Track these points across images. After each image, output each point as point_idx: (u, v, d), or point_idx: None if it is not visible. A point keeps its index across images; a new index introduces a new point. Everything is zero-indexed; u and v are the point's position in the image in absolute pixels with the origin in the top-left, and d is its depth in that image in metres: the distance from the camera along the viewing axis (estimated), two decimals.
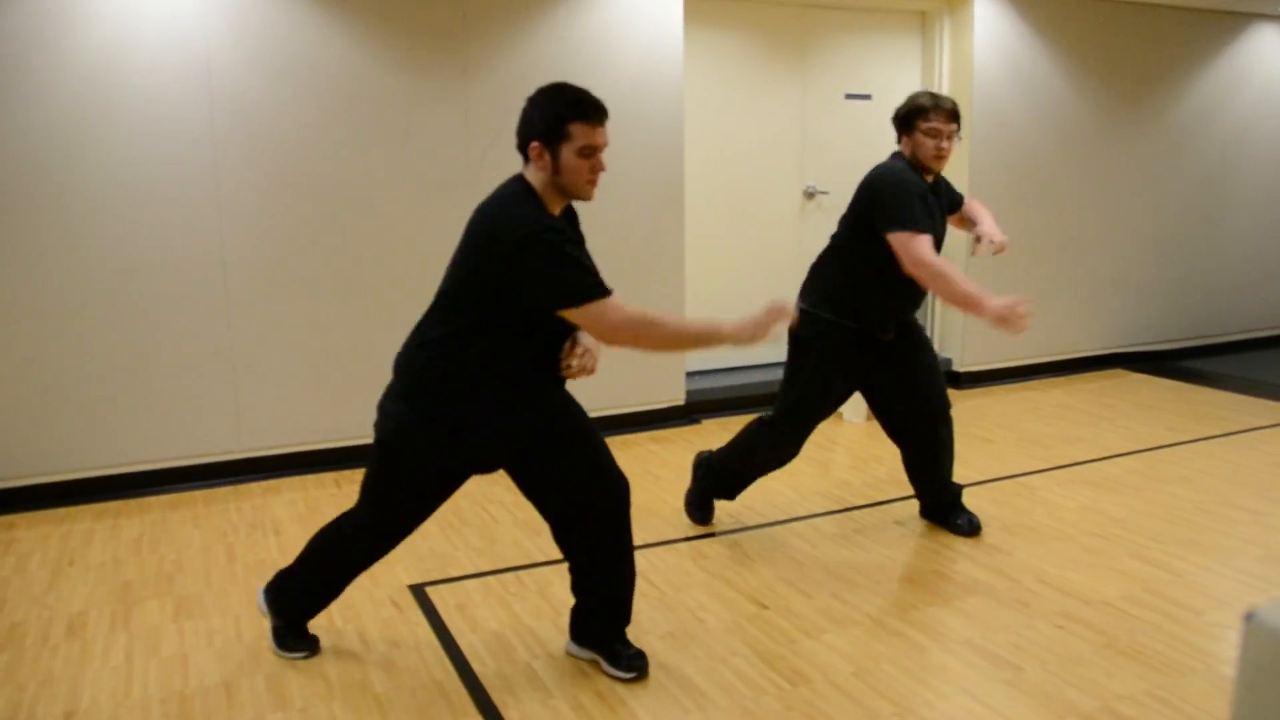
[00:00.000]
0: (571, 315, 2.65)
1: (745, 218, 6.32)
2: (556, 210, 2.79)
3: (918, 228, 3.58)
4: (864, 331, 3.84)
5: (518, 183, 2.77)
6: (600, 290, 2.64)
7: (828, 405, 3.95)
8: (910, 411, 3.97)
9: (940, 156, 3.77)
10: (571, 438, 2.95)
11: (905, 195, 3.64)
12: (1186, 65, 7.17)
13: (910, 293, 3.83)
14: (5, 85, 4.34)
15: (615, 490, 2.95)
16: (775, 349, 6.46)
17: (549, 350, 2.84)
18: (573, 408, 3.01)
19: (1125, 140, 7.01)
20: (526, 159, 2.75)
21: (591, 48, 5.34)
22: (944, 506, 4.15)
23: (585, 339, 2.90)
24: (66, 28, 4.39)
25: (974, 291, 3.43)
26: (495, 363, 2.75)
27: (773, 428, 3.95)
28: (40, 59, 4.37)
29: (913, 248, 3.56)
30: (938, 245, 3.70)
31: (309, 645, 3.15)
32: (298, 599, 3.12)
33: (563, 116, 2.67)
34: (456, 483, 2.91)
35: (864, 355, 3.88)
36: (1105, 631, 3.20)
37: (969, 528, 4.07)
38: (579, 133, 2.67)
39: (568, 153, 2.68)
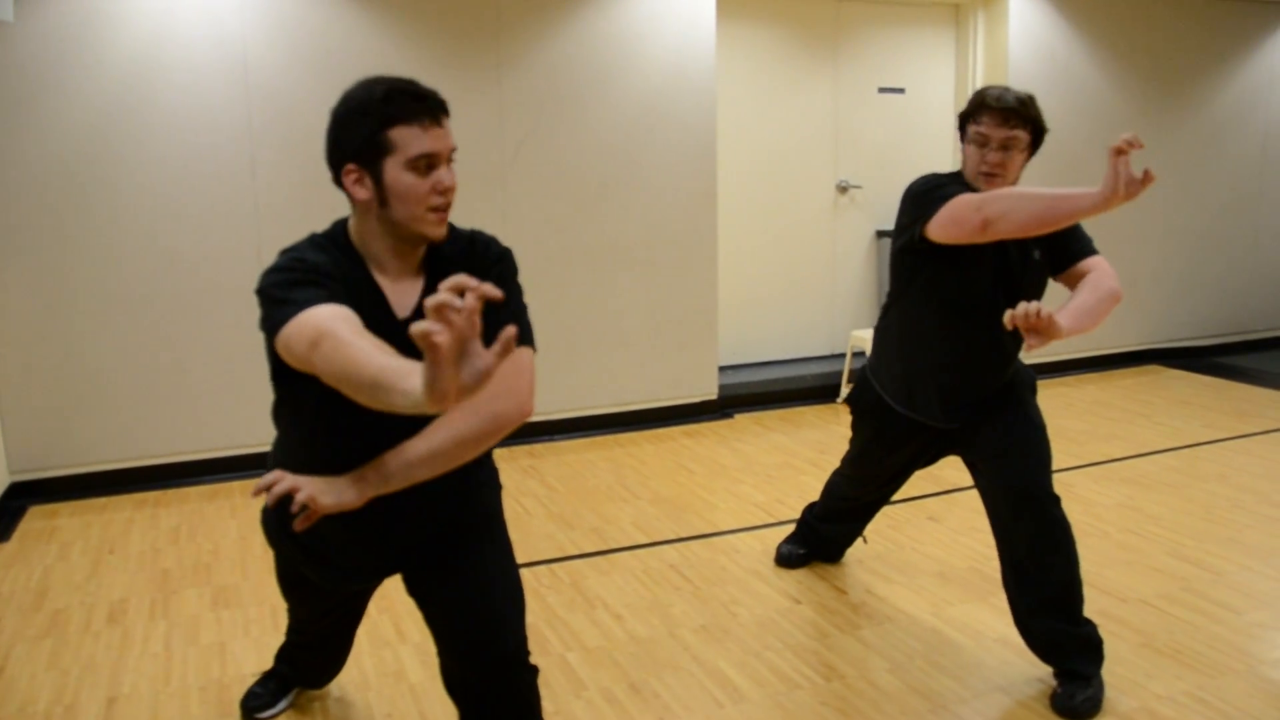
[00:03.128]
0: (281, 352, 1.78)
1: (778, 213, 6.31)
2: (405, 262, 1.97)
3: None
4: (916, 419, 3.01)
5: (334, 227, 2.04)
6: (293, 310, 1.75)
7: (889, 474, 3.24)
8: (992, 497, 2.91)
9: (990, 175, 2.78)
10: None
11: (937, 188, 2.75)
12: (1226, 56, 7.07)
13: (974, 364, 2.89)
14: (47, 81, 4.39)
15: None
16: (812, 343, 6.45)
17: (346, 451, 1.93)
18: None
19: (1163, 133, 6.93)
20: (348, 196, 1.95)
21: (624, 43, 5.34)
22: (1040, 648, 2.84)
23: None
24: (105, 24, 4.44)
25: (1076, 192, 2.34)
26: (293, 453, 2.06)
27: (841, 474, 3.42)
28: (80, 55, 4.43)
29: (955, 208, 2.58)
30: (1009, 303, 2.69)
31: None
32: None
33: (380, 120, 1.87)
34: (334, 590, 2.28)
35: (925, 436, 3.05)
36: (1143, 630, 3.17)
37: (1064, 709, 2.71)
38: (408, 138, 1.86)
39: (393, 169, 1.87)
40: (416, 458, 1.90)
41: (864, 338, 5.96)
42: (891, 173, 6.53)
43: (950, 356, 2.90)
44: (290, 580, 2.36)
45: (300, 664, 2.76)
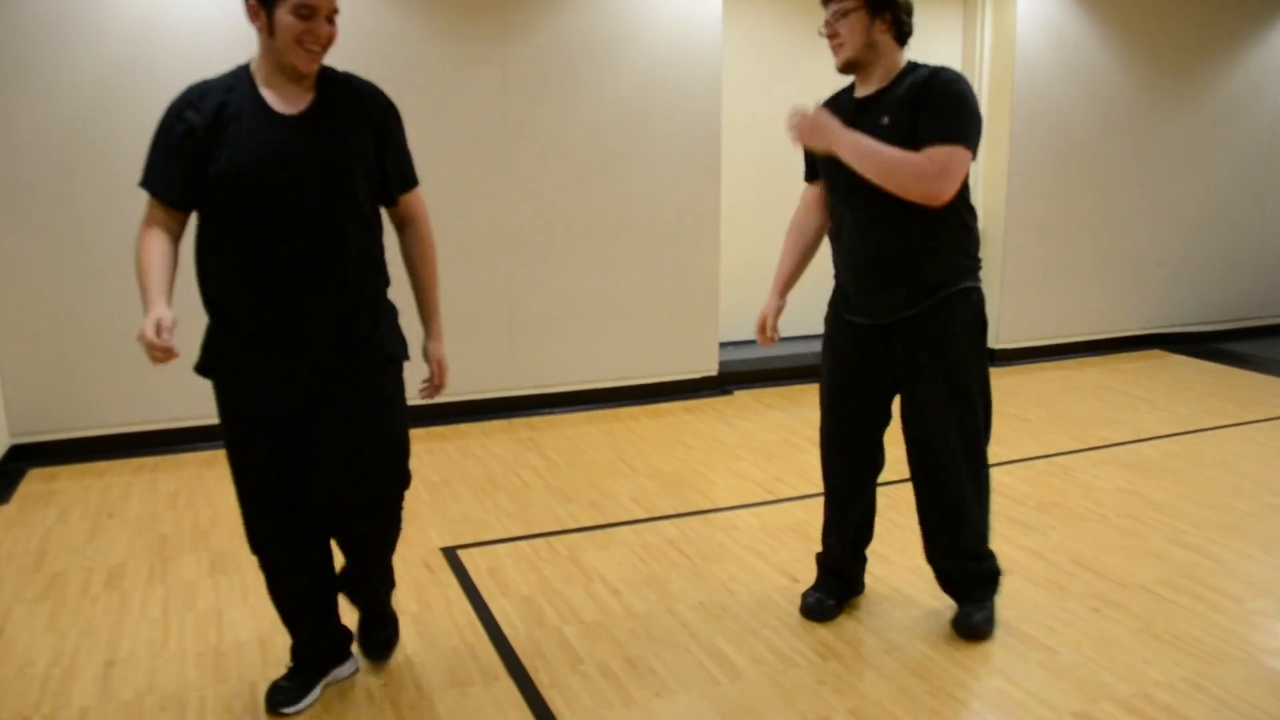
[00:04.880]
0: None
1: (781, 188, 6.24)
2: (288, 87, 2.36)
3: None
4: (849, 312, 3.01)
5: (244, 63, 2.43)
6: (142, 182, 2.38)
7: (840, 405, 3.07)
8: (907, 441, 3.05)
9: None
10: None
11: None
12: (1235, 39, 7.00)
13: (862, 244, 2.90)
14: (48, 45, 4.35)
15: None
16: (814, 320, 6.43)
17: (238, 254, 2.38)
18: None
19: (1171, 117, 6.88)
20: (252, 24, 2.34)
21: (629, 15, 5.28)
22: (946, 583, 3.12)
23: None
24: None
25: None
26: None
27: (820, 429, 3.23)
28: (81, 18, 4.38)
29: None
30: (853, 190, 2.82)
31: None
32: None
33: None
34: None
35: (865, 346, 2.99)
36: (1141, 616, 3.17)
37: (964, 628, 3.03)
38: None
39: (281, 12, 2.26)
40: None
41: None
42: None
43: (848, 238, 2.94)
44: (237, 449, 2.53)
45: (293, 613, 2.69)
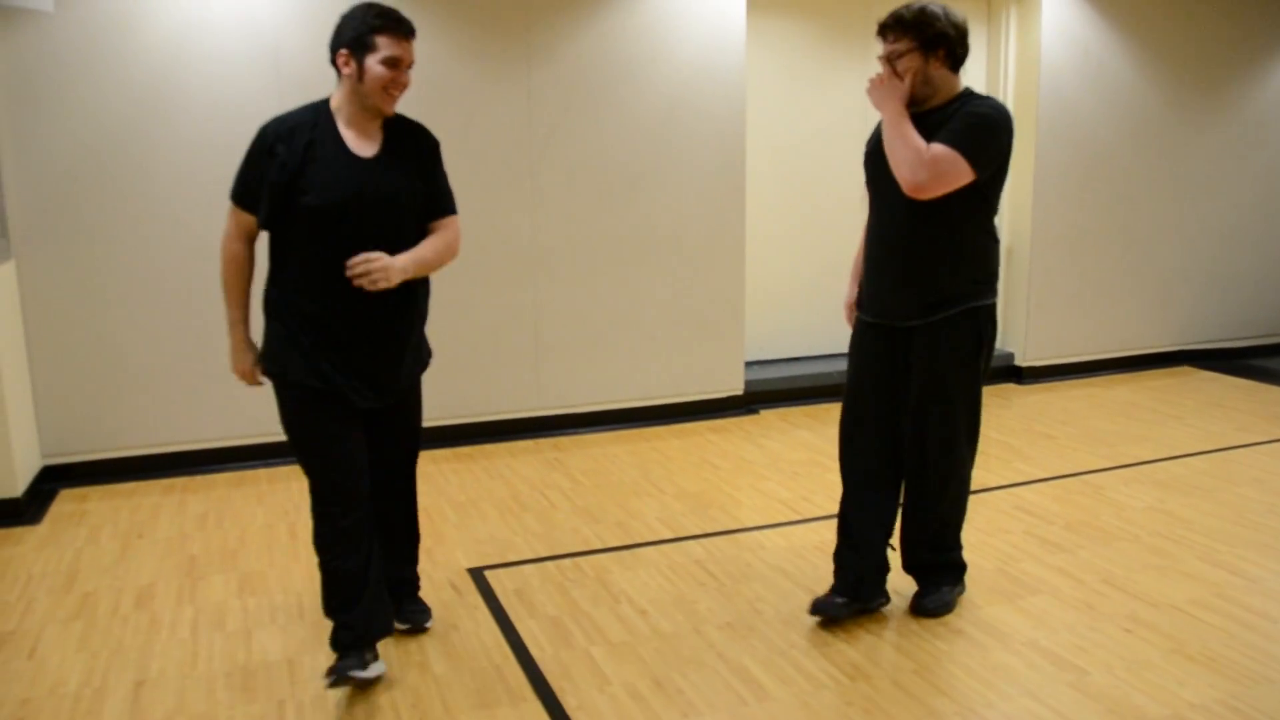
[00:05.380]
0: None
1: (806, 207, 6.26)
2: (363, 125, 2.79)
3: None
4: (862, 311, 3.22)
5: (322, 100, 2.84)
6: (232, 193, 2.79)
7: (852, 399, 3.24)
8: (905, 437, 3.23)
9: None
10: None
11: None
12: (1263, 54, 6.96)
13: (881, 251, 3.12)
14: (82, 71, 4.42)
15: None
16: (839, 339, 6.41)
17: (319, 269, 2.74)
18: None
19: (1198, 131, 6.83)
20: (338, 71, 2.78)
21: (653, 34, 5.32)
22: (909, 566, 3.34)
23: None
24: (140, 14, 4.46)
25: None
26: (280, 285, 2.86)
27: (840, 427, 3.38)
28: (115, 44, 4.45)
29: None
30: (879, 189, 3.10)
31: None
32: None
33: (371, 28, 2.72)
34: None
35: (886, 346, 3.16)
36: (1174, 636, 3.13)
37: (916, 609, 3.27)
38: (384, 44, 2.72)
39: (373, 61, 2.71)
40: (423, 255, 2.83)
41: None
42: None
43: (872, 235, 3.18)
44: (303, 419, 2.82)
45: (357, 582, 2.83)
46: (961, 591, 3.39)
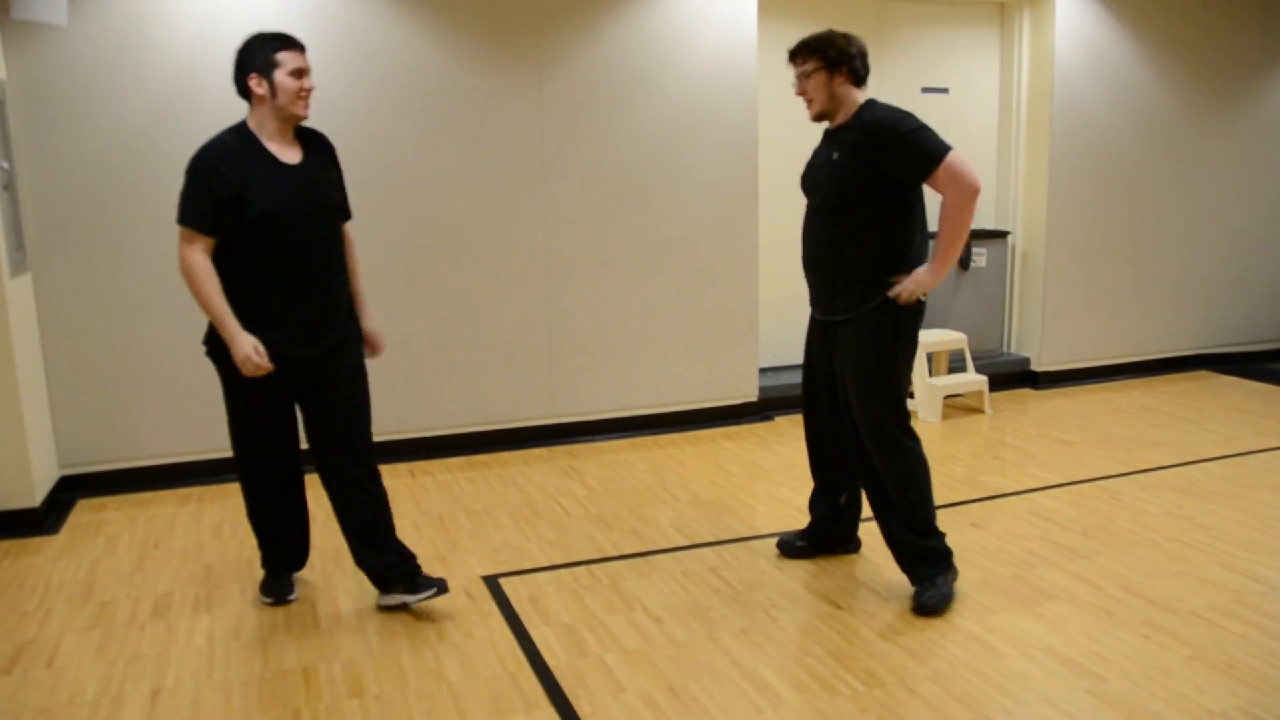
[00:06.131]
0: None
1: None
2: (282, 137, 3.16)
3: None
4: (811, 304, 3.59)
5: (238, 124, 3.18)
6: (184, 219, 3.07)
7: (805, 380, 3.67)
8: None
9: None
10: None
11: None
12: (1277, 56, 6.93)
13: (807, 261, 3.50)
14: (97, 83, 4.46)
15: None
16: None
17: (266, 270, 3.14)
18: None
19: (1215, 134, 6.80)
20: (248, 98, 3.15)
21: (666, 43, 5.32)
22: (896, 556, 3.51)
23: None
24: (154, 27, 4.50)
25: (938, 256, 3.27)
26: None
27: None
28: (129, 58, 4.49)
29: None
30: (812, 193, 3.47)
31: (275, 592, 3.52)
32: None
33: (273, 49, 3.09)
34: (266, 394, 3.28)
35: (821, 339, 3.55)
36: (1193, 643, 3.11)
37: (915, 607, 3.37)
38: (286, 59, 3.09)
39: (280, 75, 3.08)
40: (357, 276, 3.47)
41: None
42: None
43: (805, 240, 3.51)
44: (236, 398, 3.28)
45: (271, 532, 3.48)
46: (955, 577, 3.44)
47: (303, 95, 3.12)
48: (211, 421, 4.78)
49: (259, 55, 3.09)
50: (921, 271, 3.25)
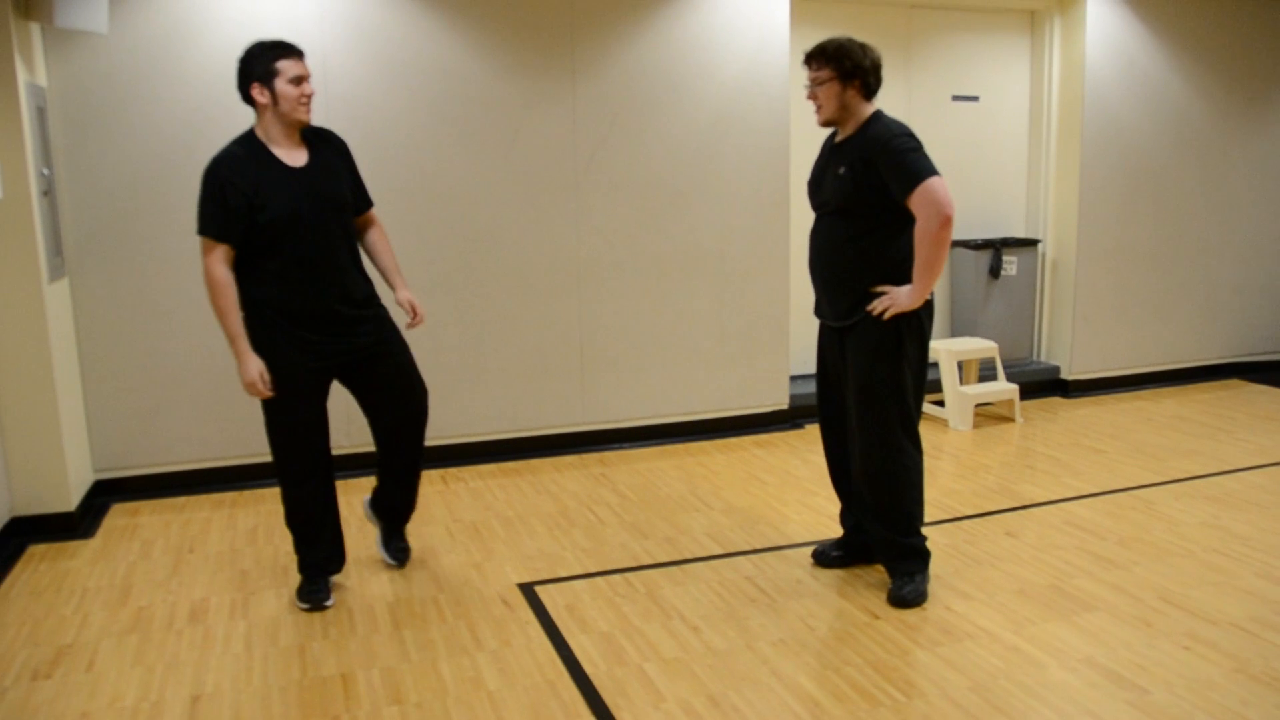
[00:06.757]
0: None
1: None
2: (288, 141, 3.30)
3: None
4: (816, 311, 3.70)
5: (245, 132, 3.34)
6: (203, 229, 3.22)
7: (825, 392, 3.68)
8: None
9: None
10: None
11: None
12: None
13: (814, 268, 3.60)
14: (134, 93, 4.50)
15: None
16: None
17: (283, 271, 3.28)
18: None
19: (1247, 141, 6.75)
20: (253, 105, 3.28)
21: (698, 51, 5.33)
22: (876, 549, 3.61)
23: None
24: (191, 34, 4.53)
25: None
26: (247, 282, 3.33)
27: None
28: (168, 65, 4.52)
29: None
30: (820, 206, 3.57)
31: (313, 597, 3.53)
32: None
33: (273, 58, 3.23)
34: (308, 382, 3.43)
35: (829, 343, 3.62)
36: (1235, 655, 3.08)
37: (891, 599, 3.47)
38: (286, 67, 3.22)
39: (281, 83, 3.22)
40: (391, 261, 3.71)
41: (937, 349, 5.89)
42: (965, 181, 6.44)
43: (812, 249, 3.60)
44: (276, 400, 3.34)
45: (309, 533, 3.53)
46: (926, 580, 3.55)
47: (303, 101, 3.26)
48: (245, 426, 4.81)
49: (259, 64, 3.23)
50: (903, 291, 3.29)
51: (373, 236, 3.65)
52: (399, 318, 3.58)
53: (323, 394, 3.46)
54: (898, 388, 3.38)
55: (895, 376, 3.38)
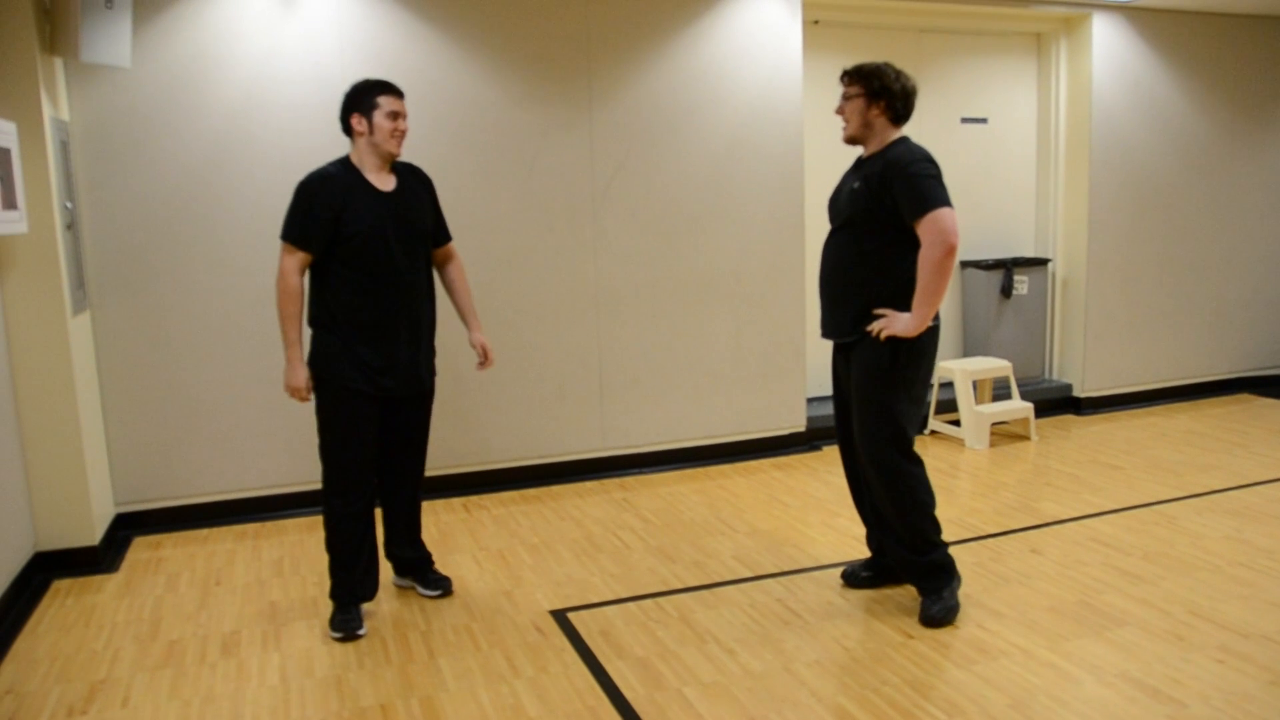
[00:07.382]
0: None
1: None
2: (379, 170, 3.53)
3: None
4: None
5: (344, 156, 3.56)
6: (286, 234, 3.44)
7: (840, 410, 3.72)
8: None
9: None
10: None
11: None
12: None
13: (820, 285, 3.63)
14: (157, 126, 4.53)
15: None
16: None
17: (360, 281, 3.47)
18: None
19: (1253, 159, 6.81)
20: (350, 135, 3.53)
21: (712, 77, 5.38)
22: (896, 568, 3.68)
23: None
24: (213, 67, 4.57)
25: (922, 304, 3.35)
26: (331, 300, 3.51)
27: None
28: (188, 99, 4.56)
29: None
30: (833, 221, 3.60)
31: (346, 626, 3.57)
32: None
33: (375, 93, 3.48)
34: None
35: (840, 364, 3.66)
36: (1270, 667, 3.09)
37: (922, 619, 3.50)
38: (385, 103, 3.47)
39: (379, 117, 3.46)
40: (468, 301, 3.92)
41: (951, 368, 5.91)
42: (976, 202, 6.49)
43: (821, 263, 3.64)
44: (339, 414, 3.50)
45: (349, 561, 3.57)
46: (959, 583, 3.58)
47: (396, 135, 3.50)
48: (267, 458, 4.82)
49: (364, 98, 3.48)
50: (903, 317, 3.33)
51: (452, 273, 3.86)
52: (469, 358, 3.95)
53: (376, 420, 3.58)
54: (886, 408, 3.42)
55: (885, 396, 3.42)
